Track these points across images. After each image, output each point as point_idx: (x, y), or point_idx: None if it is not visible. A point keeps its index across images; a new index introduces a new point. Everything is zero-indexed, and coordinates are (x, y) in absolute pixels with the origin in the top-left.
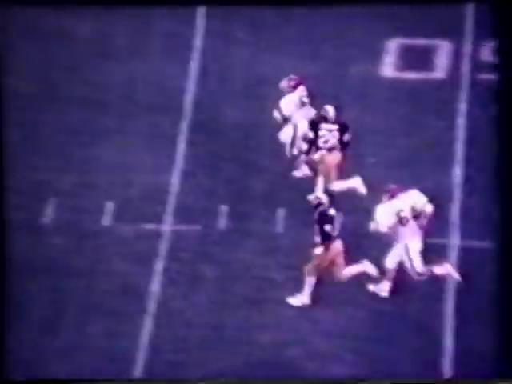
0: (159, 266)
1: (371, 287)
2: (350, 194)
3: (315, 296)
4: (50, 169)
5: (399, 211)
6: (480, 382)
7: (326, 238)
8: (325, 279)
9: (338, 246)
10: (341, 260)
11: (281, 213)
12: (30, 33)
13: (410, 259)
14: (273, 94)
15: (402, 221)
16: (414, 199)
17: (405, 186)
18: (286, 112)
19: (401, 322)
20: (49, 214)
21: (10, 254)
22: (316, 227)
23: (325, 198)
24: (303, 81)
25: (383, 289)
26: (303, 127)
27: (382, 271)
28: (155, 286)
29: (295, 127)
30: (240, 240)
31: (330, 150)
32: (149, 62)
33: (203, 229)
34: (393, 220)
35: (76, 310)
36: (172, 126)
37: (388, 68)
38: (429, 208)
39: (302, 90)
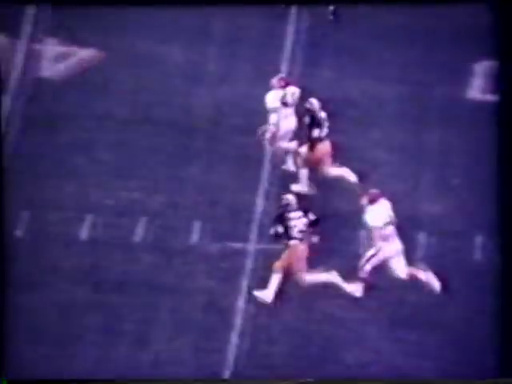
0: (244, 283)
1: (346, 286)
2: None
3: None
4: (141, 189)
5: (382, 216)
6: (480, 382)
7: (280, 237)
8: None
9: (298, 248)
10: (302, 264)
11: (362, 233)
12: (123, 58)
13: (392, 265)
14: (358, 116)
15: (385, 225)
16: (388, 207)
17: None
18: (269, 104)
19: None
20: (139, 232)
21: (103, 271)
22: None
23: (293, 200)
24: (293, 82)
25: (357, 289)
26: (287, 125)
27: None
28: (241, 302)
29: (277, 124)
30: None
31: (322, 139)
32: (236, 86)
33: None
34: (382, 224)
35: (165, 325)
36: (257, 148)
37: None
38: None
39: (289, 90)
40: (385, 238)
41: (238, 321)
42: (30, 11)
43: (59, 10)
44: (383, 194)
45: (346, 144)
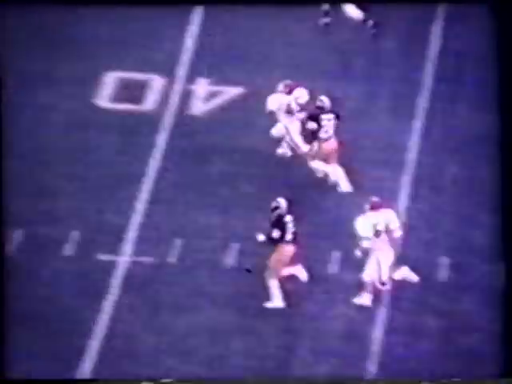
0: (382, 314)
1: (356, 300)
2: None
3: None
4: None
5: (375, 224)
6: (480, 382)
7: (276, 241)
8: None
9: (290, 249)
10: (284, 264)
11: (501, 266)
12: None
13: (379, 269)
14: (489, 152)
15: (376, 233)
16: (389, 217)
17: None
18: (270, 107)
19: None
20: None
21: (247, 297)
22: (270, 229)
23: (284, 203)
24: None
25: (365, 301)
26: (294, 131)
27: (361, 284)
28: (377, 332)
29: (287, 129)
30: (460, 292)
31: (327, 139)
32: (376, 121)
33: (424, 281)
34: (370, 233)
35: (305, 353)
36: (395, 179)
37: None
38: (398, 233)
39: (294, 97)
40: (378, 247)
41: (374, 350)
42: (186, 56)
43: (211, 53)
44: (385, 203)
45: (479, 179)
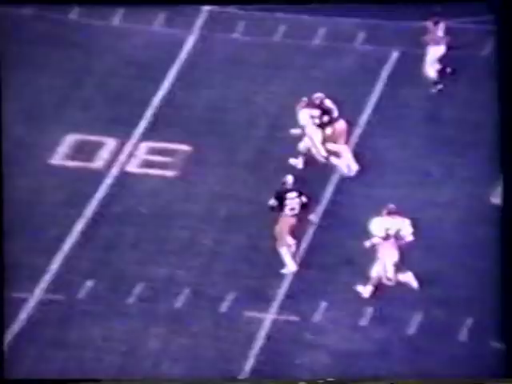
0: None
1: (358, 287)
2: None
3: None
4: None
5: (387, 228)
6: (480, 382)
7: (275, 211)
8: None
9: (288, 221)
10: (286, 236)
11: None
12: None
13: (385, 267)
14: None
15: (387, 236)
16: (403, 225)
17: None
18: (302, 122)
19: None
20: None
21: None
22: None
23: (290, 180)
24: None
25: (366, 291)
26: (318, 140)
27: (368, 278)
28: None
29: (312, 140)
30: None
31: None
32: None
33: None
34: (382, 233)
35: None
36: None
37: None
38: (410, 238)
39: (312, 111)
40: (386, 247)
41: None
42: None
43: None
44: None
45: None
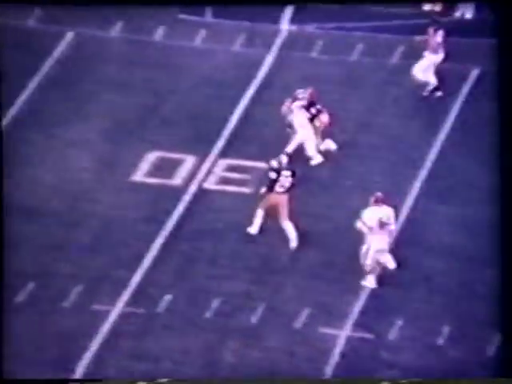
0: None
1: (363, 283)
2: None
3: None
4: None
5: (381, 217)
6: (480, 381)
7: (269, 189)
8: None
9: (277, 198)
10: (283, 211)
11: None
12: None
13: (368, 251)
14: None
15: (381, 224)
16: (389, 213)
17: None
18: (297, 121)
19: None
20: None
21: None
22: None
23: (284, 160)
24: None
25: (370, 282)
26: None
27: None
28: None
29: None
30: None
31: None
32: None
33: None
34: (374, 222)
35: None
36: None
37: None
38: (393, 226)
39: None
40: (374, 234)
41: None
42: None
43: None
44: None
45: None
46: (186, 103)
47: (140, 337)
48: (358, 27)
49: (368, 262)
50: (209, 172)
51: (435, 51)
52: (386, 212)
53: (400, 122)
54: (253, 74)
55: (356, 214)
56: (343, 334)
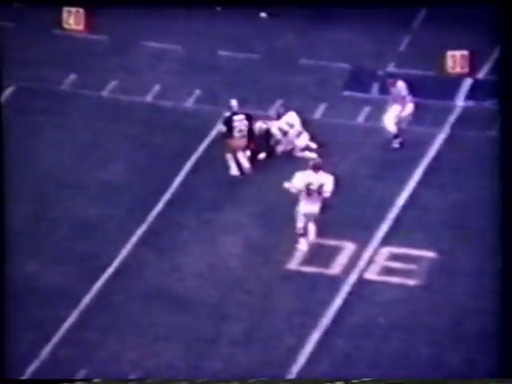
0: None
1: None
2: None
3: None
4: None
5: (310, 183)
6: (480, 381)
7: (225, 135)
8: None
9: (237, 142)
10: (242, 151)
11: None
12: None
13: (298, 214)
14: None
15: (308, 191)
16: (327, 181)
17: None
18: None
19: None
20: None
21: None
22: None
23: (235, 104)
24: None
25: (302, 245)
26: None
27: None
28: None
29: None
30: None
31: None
32: None
33: None
34: (302, 187)
35: None
36: None
37: None
38: (327, 194)
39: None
40: (302, 198)
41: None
42: None
43: None
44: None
45: None
46: (347, 185)
47: None
48: None
49: (299, 224)
50: (370, 261)
51: (397, 102)
52: (320, 179)
53: None
54: (421, 153)
55: None
56: None
